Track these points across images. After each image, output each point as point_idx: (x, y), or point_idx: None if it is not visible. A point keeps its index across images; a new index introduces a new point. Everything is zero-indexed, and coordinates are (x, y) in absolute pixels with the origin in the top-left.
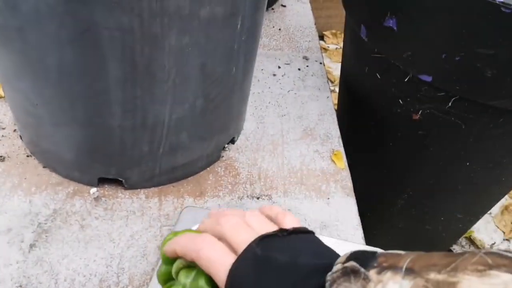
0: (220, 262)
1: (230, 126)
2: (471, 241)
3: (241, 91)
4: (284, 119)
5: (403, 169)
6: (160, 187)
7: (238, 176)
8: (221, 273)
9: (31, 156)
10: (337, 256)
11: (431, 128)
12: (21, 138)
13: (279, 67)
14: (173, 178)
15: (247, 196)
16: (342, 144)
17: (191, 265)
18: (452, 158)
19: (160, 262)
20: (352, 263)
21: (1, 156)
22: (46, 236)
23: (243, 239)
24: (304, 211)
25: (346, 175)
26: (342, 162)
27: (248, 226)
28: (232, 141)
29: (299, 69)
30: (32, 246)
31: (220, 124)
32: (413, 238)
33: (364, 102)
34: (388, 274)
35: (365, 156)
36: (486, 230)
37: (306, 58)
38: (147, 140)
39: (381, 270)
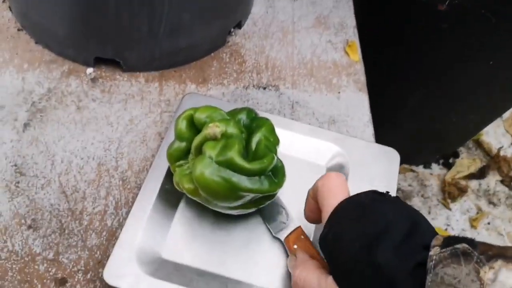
0: None
1: (236, 8)
2: (479, 143)
3: None
4: (296, 4)
5: (420, 64)
6: (160, 71)
7: (244, 64)
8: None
9: (22, 30)
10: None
11: (457, 20)
12: (10, 10)
13: None
14: (175, 63)
15: (253, 86)
16: (357, 35)
17: (217, 136)
18: (475, 55)
19: (161, 145)
20: (464, 245)
21: None
22: (41, 116)
23: None
24: (312, 104)
25: (359, 68)
26: (357, 55)
27: None
28: (239, 26)
29: None
30: (26, 125)
31: (226, 4)
32: (423, 138)
33: None
34: (499, 262)
35: (381, 49)
36: (495, 133)
37: None
38: (146, 17)
39: (489, 257)
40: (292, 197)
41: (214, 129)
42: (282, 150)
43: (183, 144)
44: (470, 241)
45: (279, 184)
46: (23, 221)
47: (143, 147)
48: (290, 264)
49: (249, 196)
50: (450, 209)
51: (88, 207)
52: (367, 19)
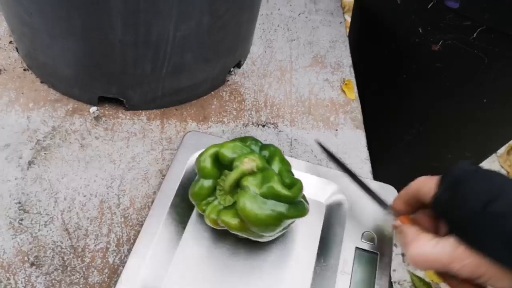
0: None
1: (237, 48)
2: None
3: (250, 9)
4: (294, 44)
5: (415, 103)
6: (162, 110)
7: (243, 102)
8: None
9: (28, 70)
10: None
11: (451, 61)
12: (17, 51)
13: None
14: (176, 101)
15: (252, 124)
16: (353, 74)
17: (254, 171)
18: (469, 94)
19: (163, 182)
20: None
21: None
22: (45, 153)
23: None
24: (310, 141)
25: (356, 106)
26: (353, 93)
27: None
28: (238, 65)
29: None
30: (30, 163)
31: (226, 45)
32: (419, 174)
33: (380, 30)
34: None
35: (376, 88)
36: (490, 168)
37: None
38: (150, 58)
39: None
40: None
41: (251, 163)
42: None
43: (209, 181)
44: None
45: (308, 207)
46: (26, 258)
47: (145, 184)
48: (402, 240)
49: (289, 222)
50: None
51: (90, 244)
52: (362, 59)
